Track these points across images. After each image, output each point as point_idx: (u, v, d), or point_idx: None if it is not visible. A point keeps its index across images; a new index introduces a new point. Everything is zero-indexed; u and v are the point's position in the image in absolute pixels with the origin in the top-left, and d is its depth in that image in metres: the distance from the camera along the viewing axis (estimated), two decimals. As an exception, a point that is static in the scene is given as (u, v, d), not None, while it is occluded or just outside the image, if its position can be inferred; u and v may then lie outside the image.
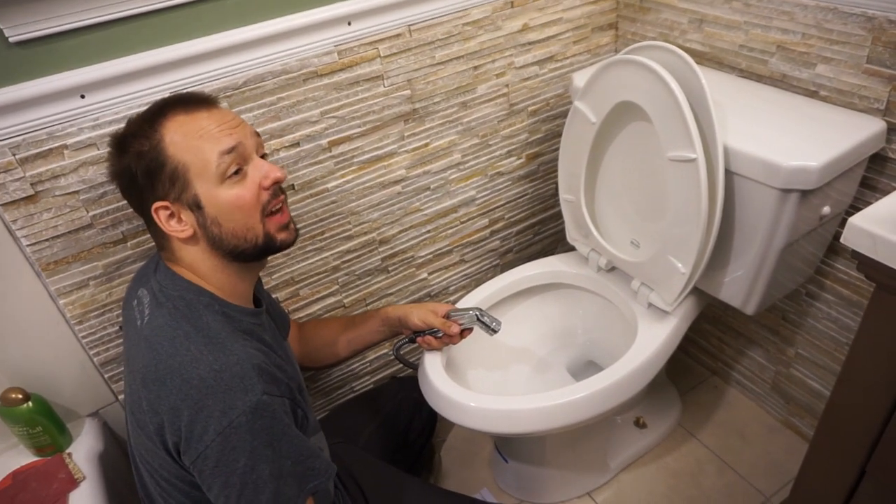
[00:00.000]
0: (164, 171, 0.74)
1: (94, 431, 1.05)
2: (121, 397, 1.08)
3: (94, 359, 1.03)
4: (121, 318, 1.01)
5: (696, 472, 1.36)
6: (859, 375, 0.64)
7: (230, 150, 0.75)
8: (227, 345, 0.74)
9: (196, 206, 0.75)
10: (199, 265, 0.80)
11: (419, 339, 1.10)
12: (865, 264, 0.59)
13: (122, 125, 0.79)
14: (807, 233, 1.01)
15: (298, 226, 0.99)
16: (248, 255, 0.80)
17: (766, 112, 1.02)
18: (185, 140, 0.73)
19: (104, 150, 0.89)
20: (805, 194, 0.92)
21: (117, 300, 1.00)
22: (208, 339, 0.74)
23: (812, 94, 1.04)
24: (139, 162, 0.74)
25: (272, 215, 0.80)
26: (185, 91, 0.81)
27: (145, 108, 0.78)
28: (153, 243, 0.98)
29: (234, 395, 0.70)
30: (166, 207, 0.75)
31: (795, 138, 0.94)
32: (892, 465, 0.64)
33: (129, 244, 0.98)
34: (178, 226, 0.76)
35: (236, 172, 0.76)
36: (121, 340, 1.04)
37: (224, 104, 0.81)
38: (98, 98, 0.86)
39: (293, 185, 1.09)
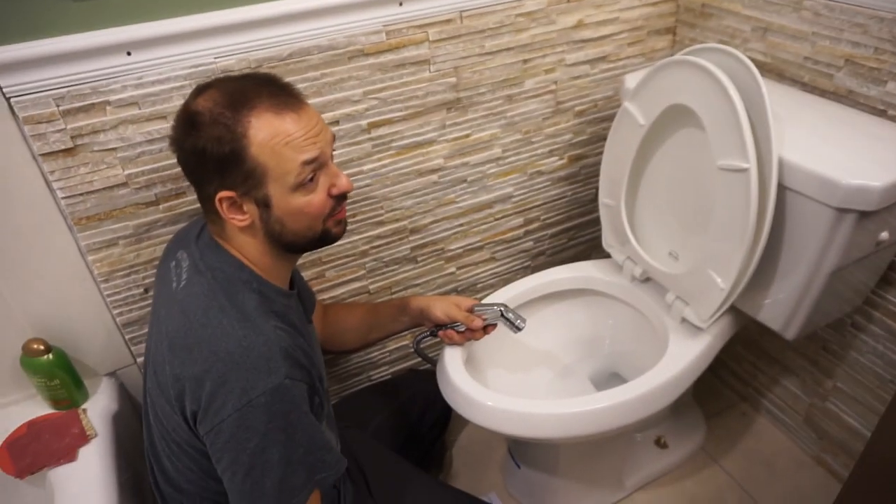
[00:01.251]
0: (241, 166, 0.72)
1: (110, 391, 1.05)
2: (139, 360, 1.09)
3: (117, 319, 1.03)
4: (146, 281, 1.02)
5: (715, 499, 1.30)
6: None
7: (312, 161, 0.74)
8: (258, 323, 0.73)
9: (264, 205, 0.75)
10: (247, 248, 0.80)
11: (441, 332, 1.07)
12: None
13: (195, 95, 0.74)
14: (860, 258, 0.95)
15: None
16: (301, 247, 0.82)
17: (827, 128, 0.97)
18: (269, 143, 0.72)
19: (146, 110, 0.89)
20: (862, 216, 0.87)
21: (144, 262, 1.00)
22: (241, 316, 0.73)
23: (880, 113, 0.98)
24: (216, 148, 0.71)
25: (333, 215, 0.81)
26: (272, 79, 0.77)
27: (229, 84, 0.74)
28: (186, 209, 0.99)
29: (257, 375, 0.69)
30: (232, 198, 0.74)
31: (857, 157, 0.89)
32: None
33: (160, 207, 0.98)
34: (238, 215, 0.76)
35: (311, 179, 0.75)
36: (145, 303, 1.04)
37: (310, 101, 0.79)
38: (144, 57, 0.86)
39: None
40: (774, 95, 0.88)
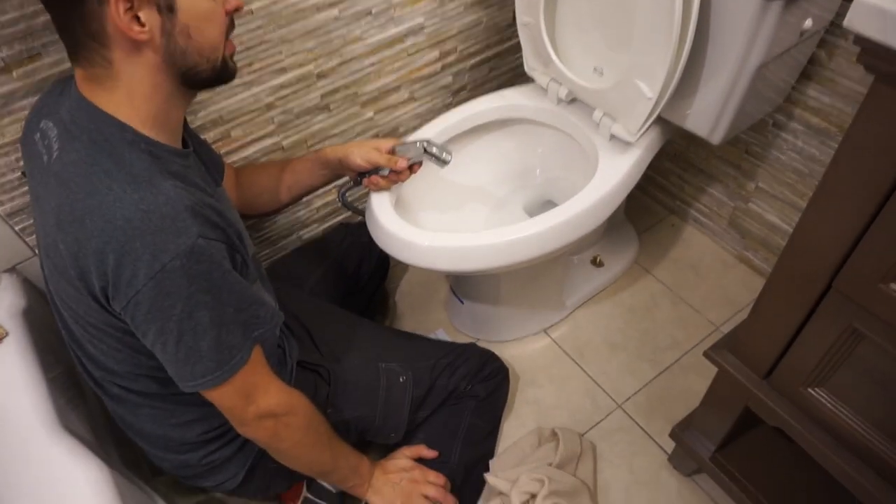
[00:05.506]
0: None
1: (13, 287, 0.96)
2: (38, 248, 0.99)
3: (0, 210, 0.92)
4: (21, 164, 0.89)
5: (650, 307, 1.38)
6: (846, 176, 0.59)
7: None
8: (154, 183, 0.64)
9: (168, 9, 0.63)
10: (133, 85, 0.66)
11: (365, 180, 1.02)
12: (868, 52, 0.51)
13: None
14: (784, 51, 0.92)
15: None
16: (201, 79, 0.71)
17: None
18: None
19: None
20: (787, 3, 0.82)
21: (11, 142, 0.87)
22: (132, 177, 0.64)
23: None
24: None
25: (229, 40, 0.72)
26: None
27: None
28: (46, 73, 0.85)
29: (165, 237, 0.62)
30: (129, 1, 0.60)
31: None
32: (863, 275, 0.61)
33: (14, 74, 0.83)
34: (136, 27, 0.62)
35: None
36: (26, 189, 0.92)
37: None
38: None
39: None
40: None
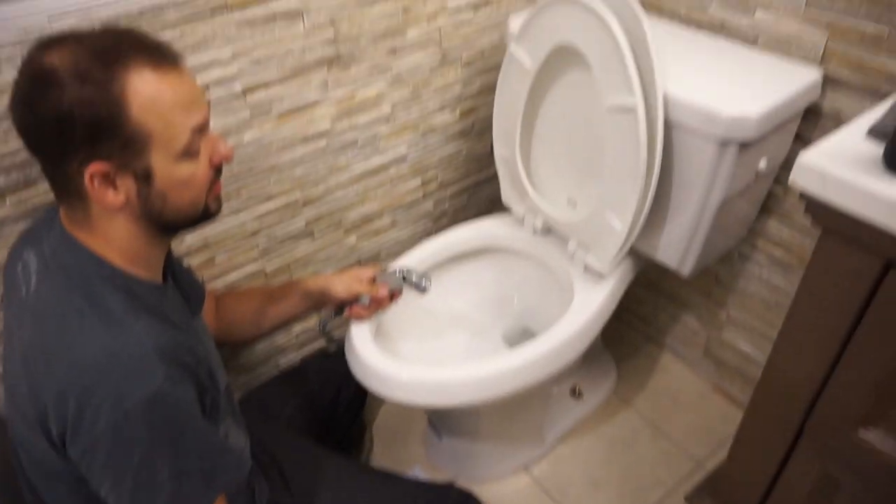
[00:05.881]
0: (117, 132, 0.60)
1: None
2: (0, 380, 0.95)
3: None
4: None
5: (631, 441, 1.35)
6: (805, 320, 0.61)
7: (202, 126, 0.66)
8: (125, 323, 0.64)
9: (144, 178, 0.64)
10: (113, 233, 0.68)
11: (347, 310, 1.02)
12: (813, 205, 0.55)
13: (41, 50, 0.61)
14: (743, 189, 0.99)
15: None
16: (180, 227, 0.73)
17: (705, 60, 0.99)
18: (155, 107, 0.61)
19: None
20: (743, 146, 0.90)
21: (-5, 265, 0.87)
22: (105, 317, 0.64)
23: (751, 42, 1.02)
24: (86, 111, 0.59)
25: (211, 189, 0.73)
26: (138, 33, 0.65)
27: (89, 38, 0.62)
28: (39, 200, 0.87)
29: (130, 381, 0.61)
30: (105, 172, 0.62)
31: (735, 87, 0.92)
32: (833, 419, 0.61)
33: (7, 202, 0.85)
34: (110, 193, 0.64)
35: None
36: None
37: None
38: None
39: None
40: (655, 30, 0.88)
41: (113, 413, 0.60)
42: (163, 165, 0.65)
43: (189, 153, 0.66)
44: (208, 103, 0.70)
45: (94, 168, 0.62)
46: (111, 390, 0.60)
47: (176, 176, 0.66)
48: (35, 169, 0.84)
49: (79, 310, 0.64)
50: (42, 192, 0.87)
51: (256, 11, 0.94)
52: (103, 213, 0.67)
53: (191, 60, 0.91)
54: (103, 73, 0.59)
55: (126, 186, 0.64)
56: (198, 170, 0.68)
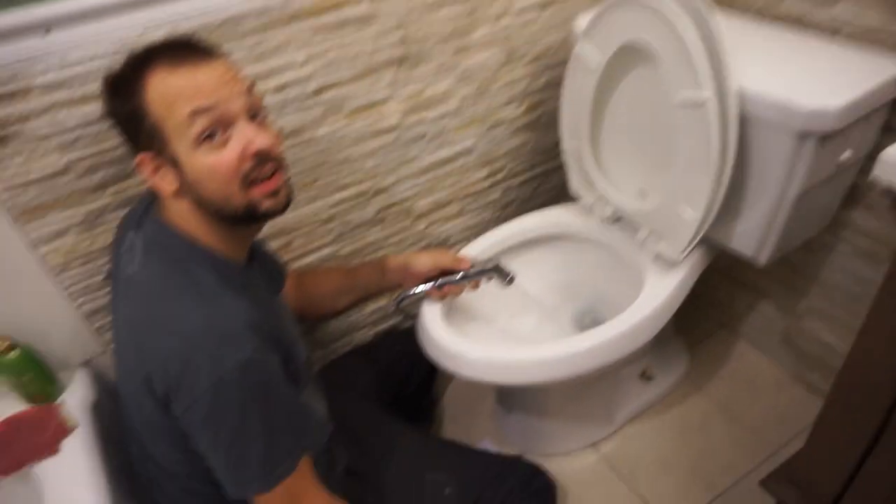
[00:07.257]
0: (143, 123, 0.70)
1: (85, 381, 1.03)
2: (112, 346, 1.07)
3: (82, 308, 1.01)
4: (106, 267, 0.99)
5: (703, 425, 1.33)
6: (891, 311, 0.59)
7: (202, 111, 0.69)
8: (218, 299, 0.72)
9: (175, 165, 0.72)
10: (189, 220, 0.76)
11: (438, 291, 1.06)
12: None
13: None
14: (824, 180, 0.94)
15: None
16: (233, 219, 0.76)
17: (782, 54, 0.95)
18: (161, 96, 0.69)
19: (76, 92, 0.85)
20: (823, 138, 0.86)
21: (101, 248, 0.97)
22: (199, 293, 0.72)
23: (831, 35, 0.96)
24: (123, 108, 0.72)
25: (257, 184, 0.74)
26: (181, 37, 0.74)
27: (144, 48, 0.73)
28: (136, 191, 0.96)
29: (224, 351, 0.68)
30: (151, 160, 0.72)
31: (814, 80, 0.88)
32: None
33: (108, 191, 0.94)
34: (161, 181, 0.73)
35: (210, 136, 0.70)
36: (108, 290, 1.01)
37: (223, 55, 0.74)
38: (65, 34, 0.81)
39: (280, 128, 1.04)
40: (729, 25, 0.85)
41: (210, 377, 0.67)
42: (184, 152, 0.71)
43: (206, 141, 0.70)
44: (242, 93, 0.72)
45: (141, 157, 0.73)
46: (208, 357, 0.68)
47: (198, 164, 0.71)
48: (129, 163, 0.92)
49: (177, 285, 0.73)
50: (136, 183, 0.96)
51: (329, 18, 0.98)
52: (173, 202, 0.76)
53: (267, 64, 0.97)
54: (131, 74, 0.70)
55: (170, 175, 0.73)
56: (221, 160, 0.71)
